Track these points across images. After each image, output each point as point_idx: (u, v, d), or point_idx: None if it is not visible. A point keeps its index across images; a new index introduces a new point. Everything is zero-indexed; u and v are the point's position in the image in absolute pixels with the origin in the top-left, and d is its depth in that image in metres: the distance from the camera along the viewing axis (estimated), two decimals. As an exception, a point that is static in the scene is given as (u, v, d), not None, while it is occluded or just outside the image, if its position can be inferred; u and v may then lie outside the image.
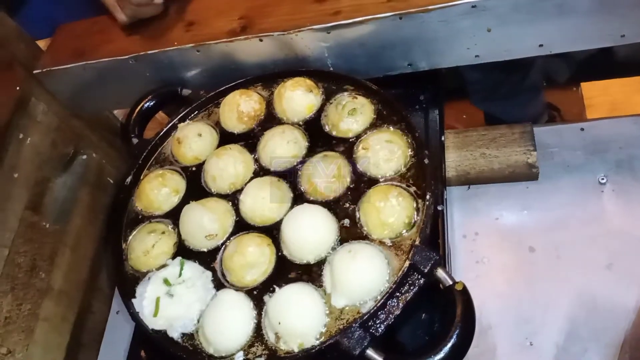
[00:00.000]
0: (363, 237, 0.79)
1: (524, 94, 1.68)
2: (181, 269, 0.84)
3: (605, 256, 0.88)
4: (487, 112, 1.81)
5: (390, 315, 0.71)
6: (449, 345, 0.66)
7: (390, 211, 0.78)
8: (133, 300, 0.84)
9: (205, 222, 0.86)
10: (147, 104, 1.02)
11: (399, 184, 0.82)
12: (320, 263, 0.79)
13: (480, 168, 0.97)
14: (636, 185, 0.93)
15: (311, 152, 0.90)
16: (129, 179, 0.97)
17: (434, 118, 0.95)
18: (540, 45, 0.87)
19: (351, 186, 0.84)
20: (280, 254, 0.82)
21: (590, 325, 0.84)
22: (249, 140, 0.95)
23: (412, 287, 0.72)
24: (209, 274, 0.84)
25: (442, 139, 0.94)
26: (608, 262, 0.87)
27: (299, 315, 0.75)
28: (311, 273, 0.79)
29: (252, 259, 0.81)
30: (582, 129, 1.00)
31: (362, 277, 0.74)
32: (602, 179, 0.94)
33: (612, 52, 1.78)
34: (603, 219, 0.92)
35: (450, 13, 0.83)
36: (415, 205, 0.79)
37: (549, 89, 1.96)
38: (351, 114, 0.90)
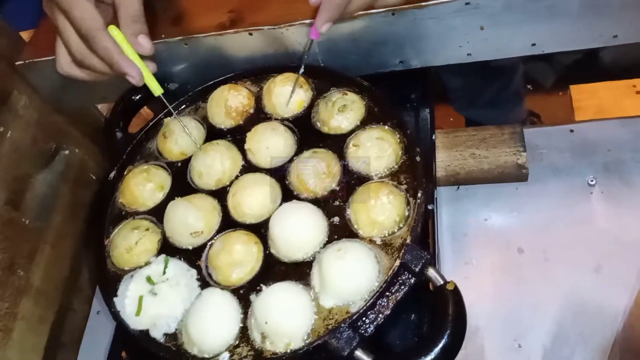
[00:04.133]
0: (353, 235, 0.78)
1: (506, 101, 1.71)
2: (165, 266, 0.82)
3: (594, 258, 0.88)
4: (469, 118, 1.83)
5: (380, 315, 0.70)
6: (440, 345, 0.65)
7: (380, 209, 0.77)
8: (115, 298, 0.81)
9: (191, 219, 0.84)
10: (133, 98, 1.00)
11: (390, 181, 0.81)
12: (309, 261, 0.78)
13: (469, 168, 0.97)
14: (624, 188, 0.93)
15: (301, 148, 0.89)
16: (112, 174, 0.95)
17: (424, 117, 0.95)
18: (533, 45, 0.86)
19: (341, 183, 0.83)
20: (267, 252, 0.81)
21: (578, 328, 0.84)
22: (237, 136, 0.93)
23: (402, 287, 0.71)
24: (194, 272, 0.82)
25: (433, 137, 0.93)
26: (596, 265, 0.88)
27: (286, 314, 0.73)
28: (299, 272, 0.77)
29: (238, 257, 0.80)
30: (572, 131, 1.00)
31: (352, 276, 0.72)
32: (591, 181, 0.94)
33: (600, 56, 1.80)
34: (591, 221, 0.92)
35: (444, 10, 0.82)
36: (406, 203, 0.78)
37: (538, 93, 1.98)
38: (341, 111, 0.89)
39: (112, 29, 0.81)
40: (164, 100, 0.91)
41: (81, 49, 0.80)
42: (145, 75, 0.85)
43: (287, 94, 0.92)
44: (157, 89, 0.87)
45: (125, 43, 0.82)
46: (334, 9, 0.75)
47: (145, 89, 0.95)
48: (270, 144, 0.88)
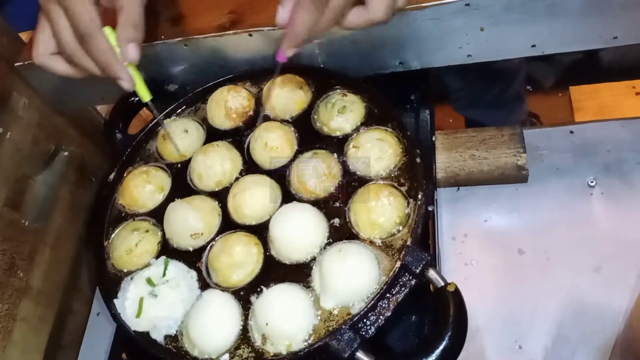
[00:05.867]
0: (353, 236, 0.78)
1: (507, 102, 1.71)
2: (165, 268, 0.82)
3: (594, 259, 0.88)
4: (469, 118, 1.83)
5: (381, 317, 0.70)
6: (441, 347, 0.65)
7: (381, 210, 0.77)
8: (115, 300, 0.82)
9: (191, 221, 0.84)
10: (132, 99, 1.00)
11: (390, 183, 0.81)
12: (309, 263, 0.78)
13: (469, 169, 0.97)
14: (625, 189, 0.93)
15: (301, 150, 0.89)
16: (112, 176, 0.95)
17: (424, 118, 0.95)
18: (533, 46, 0.86)
19: (341, 185, 0.83)
20: (267, 253, 0.81)
21: (579, 329, 0.84)
22: (237, 137, 0.93)
23: (403, 288, 0.71)
24: (194, 273, 0.82)
25: (433, 139, 0.93)
26: (597, 265, 0.87)
27: (287, 316, 0.73)
28: (300, 273, 0.77)
29: (238, 259, 0.80)
30: (572, 132, 1.00)
31: (352, 277, 0.72)
32: (591, 182, 0.94)
33: (600, 57, 1.80)
34: (592, 221, 0.92)
35: (444, 11, 0.82)
36: (406, 205, 0.78)
37: (537, 93, 1.98)
38: (341, 112, 0.89)
39: (108, 31, 0.79)
40: (151, 107, 0.88)
41: (73, 45, 0.78)
42: (136, 80, 0.82)
43: (287, 95, 0.92)
44: (145, 95, 0.84)
45: (117, 47, 0.80)
46: (297, 37, 0.74)
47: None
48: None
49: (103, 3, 0.79)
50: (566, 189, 0.95)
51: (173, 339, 0.79)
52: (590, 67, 1.84)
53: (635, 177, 0.93)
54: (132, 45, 0.79)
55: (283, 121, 0.92)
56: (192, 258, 0.84)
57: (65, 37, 0.77)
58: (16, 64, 0.99)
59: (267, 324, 0.73)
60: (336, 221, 0.80)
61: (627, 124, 0.98)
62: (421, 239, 0.76)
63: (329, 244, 0.79)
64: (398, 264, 0.71)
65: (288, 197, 0.85)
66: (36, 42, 0.82)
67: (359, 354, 0.67)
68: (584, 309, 0.85)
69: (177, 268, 0.82)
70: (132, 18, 0.79)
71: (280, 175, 0.87)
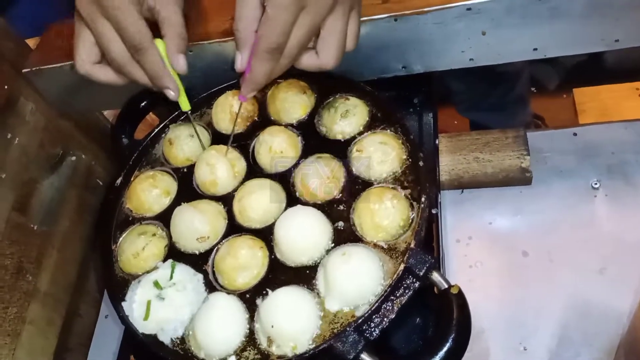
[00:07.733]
0: (357, 239, 0.79)
1: (510, 105, 1.70)
2: (172, 271, 0.83)
3: (598, 261, 0.88)
4: (473, 120, 1.83)
5: (385, 319, 0.70)
6: (445, 349, 0.65)
7: (384, 214, 0.77)
8: (123, 303, 0.82)
9: (197, 224, 0.85)
10: (139, 104, 1.01)
11: (393, 186, 0.82)
12: (314, 266, 0.78)
13: (473, 172, 0.97)
14: (629, 190, 0.93)
15: (305, 153, 0.89)
16: (119, 180, 0.96)
17: (428, 121, 0.95)
18: (535, 49, 0.87)
19: (345, 188, 0.84)
20: (273, 256, 0.81)
21: (583, 330, 0.84)
22: (242, 141, 0.94)
23: (407, 291, 0.71)
24: (200, 276, 0.83)
25: (436, 142, 0.93)
26: (601, 267, 0.88)
27: (292, 318, 0.74)
28: (305, 276, 0.78)
29: (244, 262, 0.80)
30: (575, 134, 1.00)
31: (357, 280, 0.73)
32: (595, 183, 0.94)
33: (603, 59, 1.80)
34: (596, 223, 0.92)
35: (446, 15, 0.82)
36: (410, 208, 0.79)
37: (541, 95, 1.98)
38: (344, 116, 0.89)
39: (158, 42, 0.81)
40: (190, 117, 0.92)
41: (124, 56, 0.80)
42: (180, 90, 0.86)
43: (291, 100, 0.92)
44: (186, 105, 0.89)
45: (165, 57, 0.82)
46: (256, 84, 0.77)
47: (151, 96, 0.97)
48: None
49: (143, 14, 0.80)
50: (570, 191, 0.95)
51: (180, 341, 0.79)
52: (594, 68, 1.84)
53: (639, 178, 0.94)
54: (182, 57, 0.82)
55: (287, 125, 0.93)
56: (199, 261, 0.84)
57: (116, 49, 0.79)
58: (24, 70, 1.00)
59: (272, 326, 0.73)
60: (340, 224, 0.81)
61: (630, 126, 0.99)
62: (425, 242, 0.76)
63: (333, 246, 0.79)
64: (402, 266, 0.72)
65: (292, 200, 0.85)
66: (78, 52, 0.84)
67: (364, 356, 0.68)
68: (588, 311, 0.85)
69: (183, 271, 0.83)
70: (178, 30, 0.81)
71: (284, 179, 0.87)
